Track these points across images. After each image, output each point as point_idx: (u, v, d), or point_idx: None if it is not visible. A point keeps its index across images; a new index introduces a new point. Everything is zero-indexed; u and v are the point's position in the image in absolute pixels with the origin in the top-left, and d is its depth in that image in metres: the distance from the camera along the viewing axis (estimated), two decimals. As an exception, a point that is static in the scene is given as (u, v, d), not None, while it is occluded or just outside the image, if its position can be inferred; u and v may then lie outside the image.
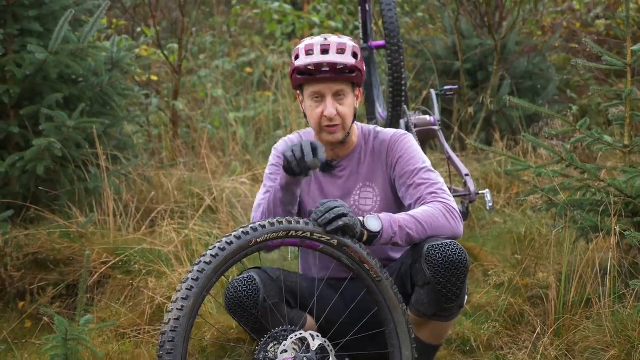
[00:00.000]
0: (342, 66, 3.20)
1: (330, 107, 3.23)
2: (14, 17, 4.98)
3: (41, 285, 4.56)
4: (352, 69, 3.22)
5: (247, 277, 3.13)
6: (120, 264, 4.53)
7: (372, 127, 3.44)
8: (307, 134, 3.46)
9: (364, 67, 3.31)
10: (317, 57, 3.20)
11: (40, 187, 4.91)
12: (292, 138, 3.47)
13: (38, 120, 4.88)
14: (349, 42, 3.25)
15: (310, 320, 3.27)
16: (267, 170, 3.43)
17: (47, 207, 4.93)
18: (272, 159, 3.44)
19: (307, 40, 3.26)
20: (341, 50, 3.21)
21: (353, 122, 3.34)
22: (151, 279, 4.36)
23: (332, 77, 3.22)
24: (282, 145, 3.45)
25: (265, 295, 3.11)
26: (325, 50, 3.21)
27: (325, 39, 3.23)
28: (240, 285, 3.12)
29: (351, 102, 3.28)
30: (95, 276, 4.49)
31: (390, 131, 3.40)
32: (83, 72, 5.04)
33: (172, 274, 4.35)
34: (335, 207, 2.99)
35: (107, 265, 4.51)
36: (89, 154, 5.09)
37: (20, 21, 4.98)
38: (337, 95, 3.24)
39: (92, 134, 4.99)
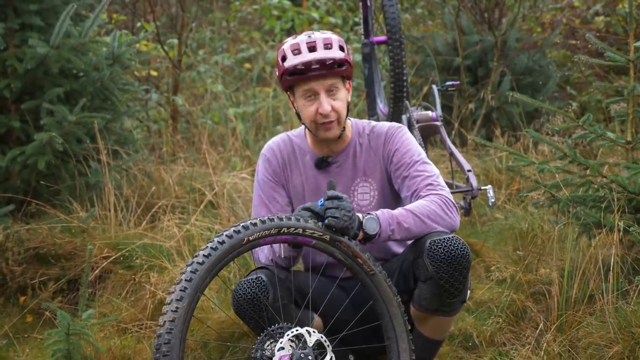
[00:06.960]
0: (331, 61, 3.16)
1: (324, 104, 3.19)
2: (15, 11, 4.97)
3: (42, 280, 4.55)
4: (341, 62, 3.18)
5: (256, 279, 3.08)
6: (121, 258, 4.52)
7: (365, 121, 3.41)
8: (297, 135, 3.43)
9: (352, 59, 3.27)
10: (306, 56, 3.15)
11: (41, 182, 4.91)
12: (279, 142, 3.42)
13: (39, 115, 4.87)
14: (333, 36, 3.22)
15: (318, 320, 3.24)
16: (259, 184, 3.38)
17: (48, 202, 4.93)
18: (262, 170, 3.39)
19: (291, 40, 3.21)
20: (328, 45, 3.17)
21: (347, 116, 3.30)
22: (153, 273, 4.35)
23: (323, 74, 3.17)
24: (269, 151, 3.40)
25: (275, 297, 3.07)
26: (312, 48, 3.16)
27: (310, 36, 3.19)
28: (248, 287, 3.06)
29: (344, 96, 3.24)
30: (97, 271, 4.48)
31: (386, 124, 3.38)
32: (84, 67, 5.03)
33: (174, 268, 4.34)
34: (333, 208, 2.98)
35: (109, 260, 4.51)
36: (89, 149, 5.08)
37: (22, 15, 4.97)
38: (330, 91, 3.20)
39: (92, 128, 4.98)
